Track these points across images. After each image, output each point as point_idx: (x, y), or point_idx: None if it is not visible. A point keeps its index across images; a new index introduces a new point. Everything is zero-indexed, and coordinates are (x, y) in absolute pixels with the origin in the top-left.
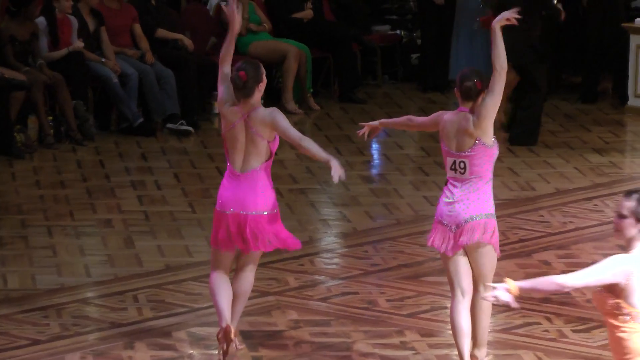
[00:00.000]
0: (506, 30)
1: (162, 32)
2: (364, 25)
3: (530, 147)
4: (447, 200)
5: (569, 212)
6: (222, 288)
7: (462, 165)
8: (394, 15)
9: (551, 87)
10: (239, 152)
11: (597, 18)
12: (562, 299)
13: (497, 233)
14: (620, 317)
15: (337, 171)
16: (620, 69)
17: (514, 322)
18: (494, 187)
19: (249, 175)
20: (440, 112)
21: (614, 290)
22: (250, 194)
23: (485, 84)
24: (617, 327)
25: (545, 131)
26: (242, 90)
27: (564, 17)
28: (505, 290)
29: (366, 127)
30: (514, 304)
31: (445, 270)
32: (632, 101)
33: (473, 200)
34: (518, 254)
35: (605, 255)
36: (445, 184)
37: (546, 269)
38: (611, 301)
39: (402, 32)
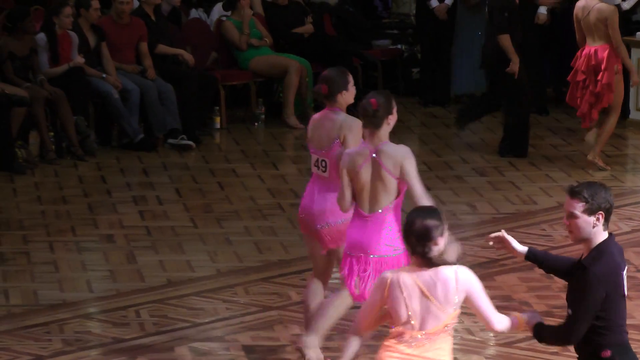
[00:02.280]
0: (490, 39)
1: (162, 48)
2: (364, 39)
3: (522, 157)
4: None
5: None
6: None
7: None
8: (395, 30)
9: (543, 99)
10: (366, 191)
11: None
12: (564, 312)
13: None
14: None
15: None
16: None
17: (517, 335)
18: (497, 201)
19: (376, 217)
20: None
21: None
22: (376, 235)
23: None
24: None
25: (547, 145)
26: (371, 118)
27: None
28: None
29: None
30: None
31: None
32: (634, 115)
33: None
34: (520, 268)
35: None
36: None
37: (548, 282)
38: None
39: (403, 47)
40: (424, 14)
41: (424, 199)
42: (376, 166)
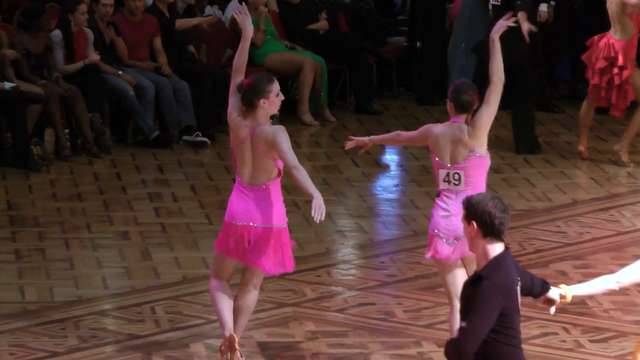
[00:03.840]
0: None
1: (181, 22)
2: (379, 37)
3: (536, 154)
4: (443, 213)
5: (586, 222)
6: (224, 297)
7: (456, 177)
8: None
9: (547, 94)
10: (247, 166)
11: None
12: (579, 309)
13: None
14: None
15: (317, 210)
16: None
17: (531, 332)
18: (511, 198)
19: (257, 189)
20: (429, 125)
21: None
22: (260, 206)
23: (478, 95)
24: None
25: (561, 142)
26: (242, 100)
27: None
28: (559, 297)
29: (354, 141)
30: (552, 312)
31: (442, 281)
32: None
33: None
34: (535, 265)
35: (622, 266)
36: (438, 196)
37: (563, 280)
38: None
39: (418, 44)
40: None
41: (298, 170)
42: (253, 147)
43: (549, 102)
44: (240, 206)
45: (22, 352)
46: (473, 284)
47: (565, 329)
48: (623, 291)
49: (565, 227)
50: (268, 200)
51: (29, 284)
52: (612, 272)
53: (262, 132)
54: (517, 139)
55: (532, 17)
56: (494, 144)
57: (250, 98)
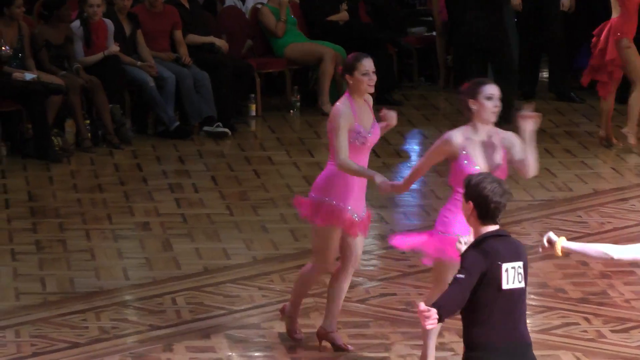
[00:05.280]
0: (476, 14)
1: (192, 38)
2: (399, 27)
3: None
4: None
5: (607, 212)
6: None
7: None
8: (430, 17)
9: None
10: None
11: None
12: (600, 299)
13: None
14: None
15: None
16: None
17: (553, 322)
18: (532, 188)
19: None
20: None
21: None
22: None
23: None
24: None
25: (582, 132)
26: None
27: None
28: (549, 243)
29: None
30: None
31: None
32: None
33: None
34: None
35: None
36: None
37: (584, 269)
38: None
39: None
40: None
41: None
42: None
43: (569, 92)
44: None
45: (43, 343)
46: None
47: (587, 319)
48: None
49: (586, 217)
50: None
51: (49, 275)
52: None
53: None
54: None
55: (554, 6)
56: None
57: None
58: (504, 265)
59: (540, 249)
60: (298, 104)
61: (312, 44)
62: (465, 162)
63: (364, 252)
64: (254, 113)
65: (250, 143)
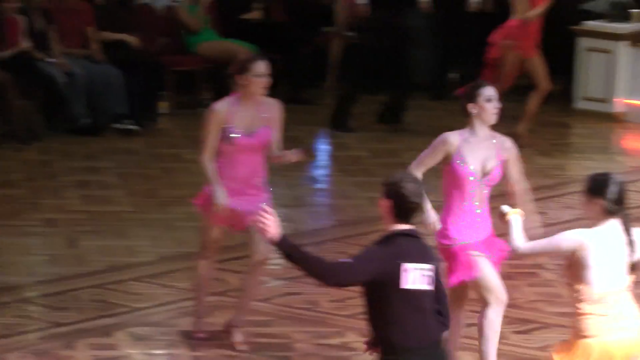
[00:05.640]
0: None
1: (104, 35)
2: (314, 26)
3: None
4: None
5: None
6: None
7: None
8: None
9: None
10: None
11: (544, 20)
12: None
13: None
14: (574, 295)
15: None
16: (568, 72)
17: None
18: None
19: None
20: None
21: (570, 266)
22: None
23: None
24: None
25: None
26: None
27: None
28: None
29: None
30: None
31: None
32: (579, 104)
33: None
34: None
35: (551, 258)
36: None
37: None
38: (567, 277)
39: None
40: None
41: None
42: None
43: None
44: None
45: None
46: None
47: None
48: (547, 283)
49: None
50: None
51: None
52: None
53: None
54: (382, 111)
55: (460, 7)
56: (426, 133)
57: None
58: (406, 265)
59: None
60: (209, 102)
61: (226, 43)
62: (458, 161)
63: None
64: (165, 111)
65: (160, 140)
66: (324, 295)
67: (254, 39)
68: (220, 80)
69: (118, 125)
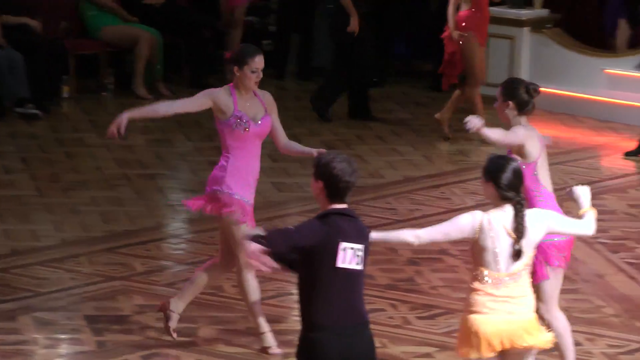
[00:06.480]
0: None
1: (5, 18)
2: (216, 10)
3: (366, 122)
4: None
5: (417, 199)
6: None
7: None
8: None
9: (386, 72)
10: None
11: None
12: (407, 286)
13: None
14: (472, 275)
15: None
16: None
17: None
18: None
19: None
20: None
21: (471, 248)
22: None
23: None
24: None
25: (395, 119)
26: None
27: None
28: None
29: None
30: None
31: None
32: (482, 90)
33: None
34: None
35: (453, 243)
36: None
37: (392, 256)
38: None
39: (254, 18)
40: None
41: None
42: None
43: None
44: None
45: None
46: None
47: (394, 306)
48: (452, 269)
49: (396, 203)
50: None
51: None
52: (441, 248)
53: None
54: (350, 107)
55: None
56: (346, 118)
57: None
58: (343, 244)
59: None
60: (112, 86)
61: (128, 27)
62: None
63: (173, 236)
64: (67, 95)
65: (62, 125)
66: (228, 281)
67: (155, 23)
68: (123, 64)
69: (20, 110)
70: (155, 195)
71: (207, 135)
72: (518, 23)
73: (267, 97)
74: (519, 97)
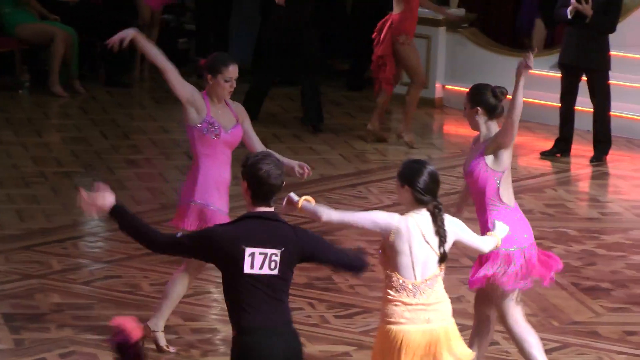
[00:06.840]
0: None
1: None
2: (132, 9)
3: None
4: None
5: (333, 198)
6: None
7: None
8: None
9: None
10: None
11: (366, 6)
12: (325, 284)
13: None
14: (385, 280)
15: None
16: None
17: None
18: None
19: None
20: None
21: (384, 250)
22: None
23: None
24: (383, 289)
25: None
26: None
27: None
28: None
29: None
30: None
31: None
32: (396, 89)
33: None
34: None
35: (369, 242)
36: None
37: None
38: (381, 262)
39: (169, 16)
40: None
41: None
42: None
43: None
44: None
45: None
46: None
47: (311, 305)
48: (368, 267)
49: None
50: None
51: None
52: (359, 248)
53: None
54: (306, 113)
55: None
56: (264, 117)
57: None
58: (250, 250)
59: (282, 209)
60: (27, 83)
61: (43, 24)
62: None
63: (90, 235)
64: None
65: None
66: (145, 279)
67: (71, 21)
68: (39, 62)
69: None
70: (71, 193)
71: (123, 134)
72: (434, 22)
73: (238, 107)
74: (487, 102)
